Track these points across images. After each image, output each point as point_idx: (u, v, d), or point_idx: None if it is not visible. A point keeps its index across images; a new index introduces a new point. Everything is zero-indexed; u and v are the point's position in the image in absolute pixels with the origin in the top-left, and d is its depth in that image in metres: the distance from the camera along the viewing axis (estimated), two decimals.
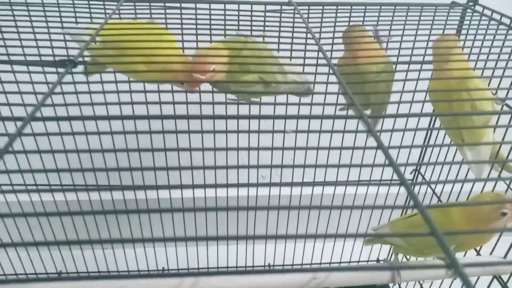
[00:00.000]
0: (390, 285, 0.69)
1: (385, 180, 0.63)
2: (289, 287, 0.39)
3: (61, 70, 0.31)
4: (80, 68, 0.41)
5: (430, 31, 0.47)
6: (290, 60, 0.43)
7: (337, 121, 0.53)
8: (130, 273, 0.67)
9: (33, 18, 0.43)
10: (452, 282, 0.52)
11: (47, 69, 0.37)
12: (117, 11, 0.42)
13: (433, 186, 0.56)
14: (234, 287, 0.39)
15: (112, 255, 0.66)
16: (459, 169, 0.53)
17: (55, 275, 0.67)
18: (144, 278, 0.55)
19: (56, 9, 0.43)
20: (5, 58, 0.38)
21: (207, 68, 0.37)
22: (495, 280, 0.44)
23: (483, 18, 0.45)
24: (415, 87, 0.47)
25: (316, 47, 0.35)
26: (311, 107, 0.45)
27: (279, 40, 0.44)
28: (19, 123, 0.23)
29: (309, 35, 0.39)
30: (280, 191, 0.61)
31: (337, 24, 0.44)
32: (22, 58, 0.40)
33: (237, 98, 0.47)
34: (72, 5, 0.44)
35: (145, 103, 0.32)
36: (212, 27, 0.44)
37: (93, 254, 0.64)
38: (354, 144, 0.40)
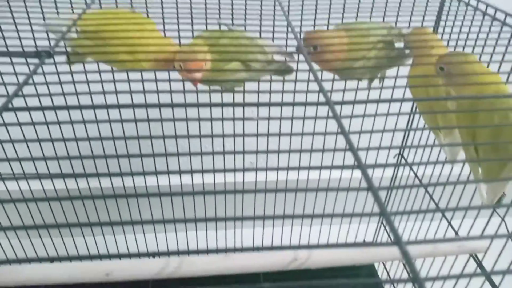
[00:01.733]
0: (376, 265, 0.71)
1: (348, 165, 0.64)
2: (272, 267, 0.40)
3: (36, 61, 0.31)
4: (62, 59, 0.42)
5: (410, 18, 0.48)
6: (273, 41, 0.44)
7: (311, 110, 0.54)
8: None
9: (13, 9, 0.43)
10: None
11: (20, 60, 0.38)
12: (96, 1, 0.42)
13: (415, 169, 0.58)
14: (217, 267, 0.40)
15: (103, 242, 0.67)
16: (439, 153, 0.54)
17: (47, 261, 0.68)
18: (129, 258, 0.57)
19: None
20: None
21: (201, 66, 0.39)
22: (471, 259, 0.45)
23: (463, 5, 0.46)
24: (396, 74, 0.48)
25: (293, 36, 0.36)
26: (282, 94, 0.46)
27: (260, 28, 0.45)
28: None
29: (289, 27, 0.39)
30: (266, 177, 0.62)
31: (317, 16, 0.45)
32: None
33: (221, 89, 0.47)
34: None
35: (129, 92, 0.33)
36: (194, 15, 0.44)
37: (84, 241, 0.65)
38: (325, 131, 0.42)
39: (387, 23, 0.45)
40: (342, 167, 0.23)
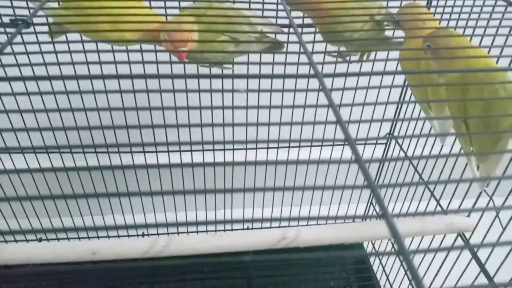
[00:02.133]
0: (365, 244, 0.71)
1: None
2: (261, 245, 0.40)
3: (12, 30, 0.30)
4: (42, 29, 0.40)
5: None
6: (263, 14, 0.43)
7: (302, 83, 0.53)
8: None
9: None
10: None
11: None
12: None
13: (405, 149, 0.57)
14: (206, 246, 0.39)
15: (91, 222, 0.66)
16: (430, 131, 0.54)
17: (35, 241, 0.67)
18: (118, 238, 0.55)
19: None
20: None
21: (187, 38, 0.37)
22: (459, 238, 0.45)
23: None
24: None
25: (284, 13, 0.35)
26: (272, 67, 0.45)
27: (250, 3, 0.43)
28: None
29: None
30: (256, 152, 0.61)
31: None
32: None
33: (209, 66, 0.46)
34: None
35: (114, 62, 0.32)
36: None
37: (72, 221, 0.64)
38: (316, 104, 0.41)
39: (378, 2, 0.44)
40: (333, 141, 0.23)
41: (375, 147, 0.60)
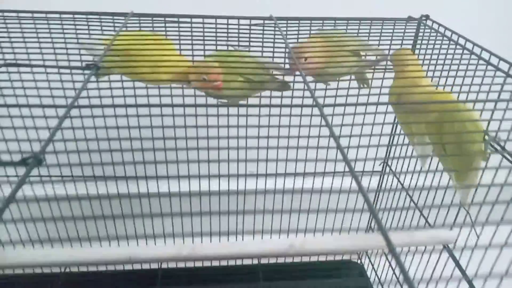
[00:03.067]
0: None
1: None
2: (270, 253, 0.46)
3: (86, 72, 0.39)
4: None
5: (391, 42, 0.55)
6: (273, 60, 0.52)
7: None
8: None
9: (52, 31, 0.50)
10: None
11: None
12: (125, 24, 0.49)
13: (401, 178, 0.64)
14: (224, 252, 0.46)
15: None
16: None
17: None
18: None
19: (72, 22, 0.51)
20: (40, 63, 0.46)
21: (219, 78, 0.46)
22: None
23: (433, 32, 0.54)
24: (380, 91, 0.56)
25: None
26: (281, 100, 0.53)
27: (262, 49, 0.52)
28: (61, 111, 0.30)
29: (287, 48, 0.47)
30: (266, 184, 0.68)
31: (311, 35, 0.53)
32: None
33: (227, 102, 0.55)
34: (86, 19, 0.51)
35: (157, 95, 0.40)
36: (205, 37, 0.52)
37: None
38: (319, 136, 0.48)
39: (358, 37, 0.54)
40: (337, 171, 0.30)
41: (371, 174, 0.67)
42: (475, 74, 0.44)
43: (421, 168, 0.54)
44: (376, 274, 0.73)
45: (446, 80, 0.48)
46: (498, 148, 0.42)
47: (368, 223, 0.76)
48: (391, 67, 0.52)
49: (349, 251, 0.50)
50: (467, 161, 0.44)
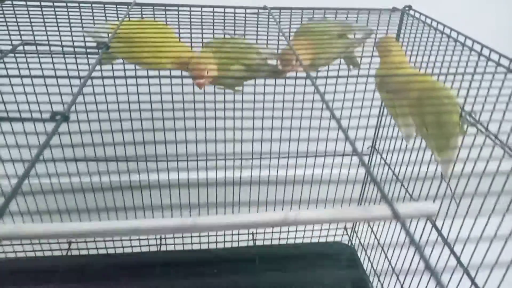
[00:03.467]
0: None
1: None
2: (266, 224, 0.50)
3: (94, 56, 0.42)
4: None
5: (376, 31, 0.59)
6: (267, 47, 0.56)
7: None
8: None
9: (58, 19, 0.53)
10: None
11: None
12: (128, 13, 0.52)
13: (388, 161, 0.68)
14: (226, 223, 0.49)
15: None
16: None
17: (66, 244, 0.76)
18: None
19: (77, 11, 0.54)
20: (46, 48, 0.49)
21: (203, 74, 0.50)
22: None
23: (415, 21, 0.58)
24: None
25: (285, 42, 0.47)
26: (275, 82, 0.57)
27: (257, 36, 0.56)
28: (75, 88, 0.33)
29: (281, 34, 0.51)
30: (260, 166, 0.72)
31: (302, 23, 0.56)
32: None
33: (224, 88, 0.58)
34: (90, 8, 0.54)
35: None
36: (203, 25, 0.55)
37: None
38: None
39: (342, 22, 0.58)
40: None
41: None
42: (453, 55, 0.48)
43: (406, 146, 0.58)
44: (366, 255, 0.77)
45: (428, 63, 0.52)
46: (473, 121, 0.46)
47: (360, 196, 0.80)
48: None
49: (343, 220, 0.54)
50: (447, 136, 0.48)
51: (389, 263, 0.69)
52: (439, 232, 0.53)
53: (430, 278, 0.44)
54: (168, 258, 0.79)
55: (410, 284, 0.62)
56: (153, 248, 0.79)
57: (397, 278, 0.65)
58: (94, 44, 0.47)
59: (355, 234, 0.83)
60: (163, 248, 0.79)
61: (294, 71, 0.53)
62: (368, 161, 0.74)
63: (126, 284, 0.71)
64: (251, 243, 0.82)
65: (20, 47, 0.40)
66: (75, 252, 0.77)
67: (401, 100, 0.51)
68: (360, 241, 0.81)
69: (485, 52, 0.46)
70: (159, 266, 0.76)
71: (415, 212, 0.55)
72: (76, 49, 0.46)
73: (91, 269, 0.75)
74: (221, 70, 0.52)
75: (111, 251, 0.78)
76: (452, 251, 0.51)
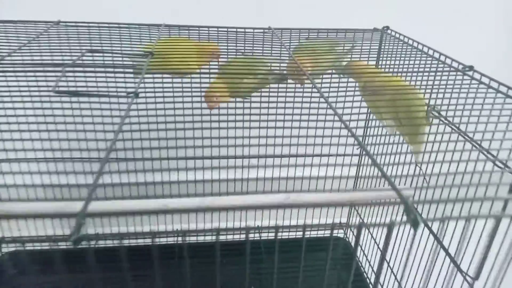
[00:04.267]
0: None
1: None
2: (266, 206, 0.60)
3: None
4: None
5: (361, 46, 0.72)
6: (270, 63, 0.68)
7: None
8: None
9: (101, 37, 0.66)
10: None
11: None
12: (160, 33, 0.65)
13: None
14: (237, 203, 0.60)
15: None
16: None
17: None
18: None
19: (118, 31, 0.67)
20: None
21: (213, 101, 0.62)
22: None
23: (393, 38, 0.71)
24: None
25: (287, 54, 0.59)
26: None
27: (263, 52, 0.68)
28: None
29: (283, 48, 0.63)
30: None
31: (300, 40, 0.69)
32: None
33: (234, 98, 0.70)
34: (128, 29, 0.67)
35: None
36: (219, 42, 0.68)
37: None
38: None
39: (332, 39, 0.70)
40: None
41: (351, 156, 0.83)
42: (420, 62, 0.61)
43: (389, 141, 0.70)
44: (361, 248, 0.87)
45: (402, 70, 0.64)
46: (437, 114, 0.58)
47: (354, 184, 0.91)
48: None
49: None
50: (416, 129, 0.60)
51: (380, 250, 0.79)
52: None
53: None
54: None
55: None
56: (171, 239, 0.88)
57: (391, 270, 0.75)
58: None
59: (349, 229, 0.94)
60: (179, 240, 0.89)
61: (297, 79, 0.64)
62: (359, 156, 0.86)
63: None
64: (257, 236, 0.92)
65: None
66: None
67: (380, 100, 0.63)
68: (353, 234, 0.92)
69: (447, 60, 0.59)
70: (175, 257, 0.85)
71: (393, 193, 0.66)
72: (130, 57, 0.58)
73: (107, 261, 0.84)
74: (234, 86, 0.64)
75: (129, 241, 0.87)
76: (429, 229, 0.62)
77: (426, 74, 0.60)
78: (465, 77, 0.57)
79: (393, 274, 0.73)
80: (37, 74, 0.50)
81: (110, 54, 0.58)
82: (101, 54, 0.59)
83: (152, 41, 0.64)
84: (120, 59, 0.60)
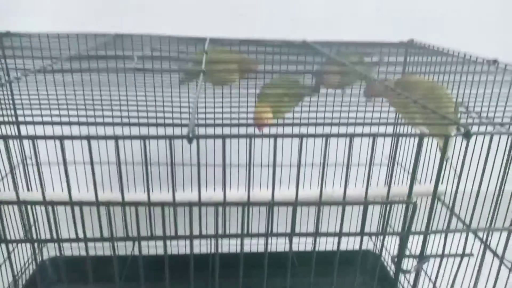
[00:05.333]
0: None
1: None
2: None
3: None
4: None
5: (388, 57, 0.78)
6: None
7: None
8: None
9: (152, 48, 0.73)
10: None
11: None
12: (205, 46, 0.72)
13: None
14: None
15: None
16: None
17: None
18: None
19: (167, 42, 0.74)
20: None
21: (264, 123, 0.67)
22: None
23: (422, 50, 0.76)
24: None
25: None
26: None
27: (296, 68, 0.74)
28: None
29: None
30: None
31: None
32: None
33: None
34: (176, 41, 0.74)
35: None
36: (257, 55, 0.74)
37: None
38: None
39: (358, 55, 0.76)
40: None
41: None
42: (446, 66, 0.66)
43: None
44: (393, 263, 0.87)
45: (429, 75, 0.69)
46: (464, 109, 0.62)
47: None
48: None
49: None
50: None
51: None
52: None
53: None
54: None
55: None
56: (203, 249, 0.90)
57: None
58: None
59: (380, 243, 0.94)
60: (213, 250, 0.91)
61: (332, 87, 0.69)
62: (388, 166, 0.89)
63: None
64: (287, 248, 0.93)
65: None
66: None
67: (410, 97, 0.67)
68: (386, 249, 0.92)
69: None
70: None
71: (426, 190, 0.68)
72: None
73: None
74: (276, 108, 0.69)
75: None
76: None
77: (453, 71, 0.64)
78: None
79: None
80: None
81: (167, 61, 0.66)
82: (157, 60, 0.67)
83: (198, 53, 0.71)
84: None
